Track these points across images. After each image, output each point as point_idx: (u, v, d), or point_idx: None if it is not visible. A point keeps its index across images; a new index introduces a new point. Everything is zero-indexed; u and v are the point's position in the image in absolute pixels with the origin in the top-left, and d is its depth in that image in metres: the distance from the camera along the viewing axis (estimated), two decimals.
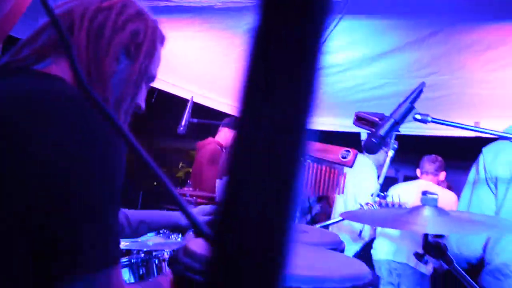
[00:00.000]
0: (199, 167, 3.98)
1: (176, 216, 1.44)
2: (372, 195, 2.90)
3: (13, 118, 0.72)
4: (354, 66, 3.89)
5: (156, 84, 3.93)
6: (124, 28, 0.93)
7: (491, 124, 3.70)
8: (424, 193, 1.20)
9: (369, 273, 0.79)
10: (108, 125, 0.67)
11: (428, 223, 1.12)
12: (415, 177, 4.02)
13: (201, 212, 1.45)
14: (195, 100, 4.25)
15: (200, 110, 3.35)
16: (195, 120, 2.32)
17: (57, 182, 0.71)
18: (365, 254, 3.62)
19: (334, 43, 3.69)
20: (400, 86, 3.81)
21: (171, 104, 4.14)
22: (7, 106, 0.74)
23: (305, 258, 0.80)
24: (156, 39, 1.01)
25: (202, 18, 3.13)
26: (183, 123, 2.22)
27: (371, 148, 1.35)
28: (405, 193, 3.41)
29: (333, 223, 1.60)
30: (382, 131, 1.35)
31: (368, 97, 4.19)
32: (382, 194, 2.97)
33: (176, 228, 1.47)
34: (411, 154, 5.36)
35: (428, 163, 3.91)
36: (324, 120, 4.86)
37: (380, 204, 2.91)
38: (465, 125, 1.82)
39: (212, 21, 3.19)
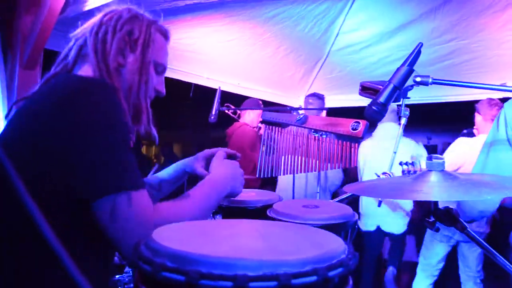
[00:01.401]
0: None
1: (188, 165, 1.53)
2: (400, 164, 3.02)
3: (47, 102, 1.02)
4: (375, 41, 4.03)
5: (192, 79, 4.22)
6: (121, 30, 1.19)
7: None
8: (430, 157, 1.15)
9: (342, 251, 0.71)
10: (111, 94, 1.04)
11: (434, 189, 1.05)
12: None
13: (201, 156, 1.52)
14: (227, 89, 4.52)
15: (229, 99, 3.56)
16: (224, 108, 2.54)
17: (75, 136, 0.95)
18: None
19: (352, 21, 3.86)
20: (422, 56, 3.90)
21: (208, 96, 4.38)
22: (46, 97, 1.04)
23: (269, 239, 0.74)
24: (151, 33, 1.24)
25: (223, 12, 3.36)
26: (213, 112, 2.43)
27: (372, 116, 1.29)
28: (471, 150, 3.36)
29: (346, 197, 1.63)
30: (382, 98, 1.29)
31: (392, 70, 4.22)
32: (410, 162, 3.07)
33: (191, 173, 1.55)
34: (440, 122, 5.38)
35: (489, 107, 3.51)
36: (352, 96, 5.02)
37: (407, 172, 3.02)
38: (472, 83, 1.60)
39: (234, 14, 3.42)
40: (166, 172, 1.57)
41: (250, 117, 4.21)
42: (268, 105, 4.86)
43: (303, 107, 3.95)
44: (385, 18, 3.73)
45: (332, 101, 5.14)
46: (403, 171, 3.04)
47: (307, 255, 0.64)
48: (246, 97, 4.66)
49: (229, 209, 1.54)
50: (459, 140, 3.67)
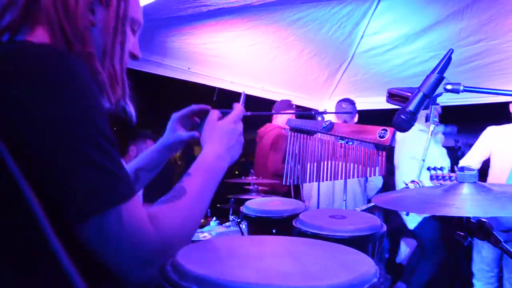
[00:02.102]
0: (263, 153, 4.17)
1: (166, 141, 1.33)
2: (428, 169, 2.96)
3: None
4: (401, 43, 3.97)
5: (216, 83, 4.24)
6: None
7: None
8: (462, 168, 1.11)
9: (374, 274, 0.67)
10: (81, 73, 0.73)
11: (467, 204, 0.98)
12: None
13: (176, 119, 1.33)
14: (251, 93, 4.52)
15: (252, 102, 3.56)
16: (248, 113, 2.53)
17: (37, 141, 0.70)
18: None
19: (377, 23, 3.81)
20: None
21: (232, 100, 4.40)
22: None
23: (297, 259, 0.71)
24: None
25: (245, 17, 3.36)
26: None
27: (401, 125, 1.22)
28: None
29: (367, 208, 1.57)
30: (411, 107, 1.22)
31: (418, 72, 4.23)
32: (438, 167, 3.01)
33: (173, 152, 1.35)
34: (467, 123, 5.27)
35: None
36: (376, 99, 4.95)
37: (435, 178, 2.96)
38: (506, 90, 1.43)
39: (257, 18, 3.42)
40: (142, 158, 1.33)
41: (282, 118, 4.20)
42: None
43: (328, 110, 3.93)
44: (411, 20, 3.67)
45: (357, 104, 5.09)
46: (431, 176, 3.00)
47: (338, 281, 0.60)
48: (270, 101, 4.65)
49: (255, 218, 1.54)
50: (488, 129, 3.69)
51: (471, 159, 3.65)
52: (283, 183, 1.97)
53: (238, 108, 1.19)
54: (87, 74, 0.78)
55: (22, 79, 0.71)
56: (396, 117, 1.24)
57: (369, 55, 4.32)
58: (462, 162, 3.72)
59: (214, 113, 1.18)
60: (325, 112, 3.32)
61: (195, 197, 0.93)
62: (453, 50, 1.34)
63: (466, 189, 1.05)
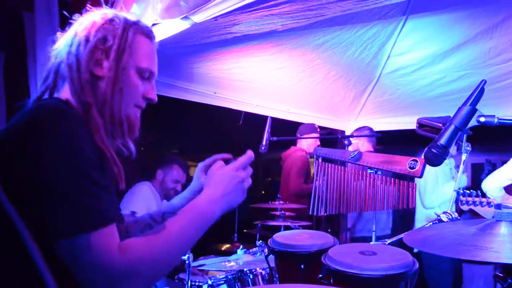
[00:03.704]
0: (286, 175, 4.18)
1: (192, 189, 1.39)
2: (458, 193, 2.87)
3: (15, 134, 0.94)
4: (428, 63, 3.91)
5: (242, 107, 4.26)
6: (94, 38, 1.09)
7: None
8: (498, 206, 1.07)
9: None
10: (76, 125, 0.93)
11: (506, 247, 0.92)
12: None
13: (201, 169, 1.39)
14: (277, 115, 4.52)
15: (279, 126, 3.56)
16: (274, 138, 2.53)
17: (26, 174, 0.88)
18: None
19: (404, 44, 3.77)
20: (478, 76, 3.77)
21: (258, 123, 4.42)
22: (17, 129, 0.95)
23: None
24: (128, 36, 1.12)
25: (270, 42, 3.38)
26: (263, 142, 2.43)
27: (432, 160, 1.19)
28: None
29: (397, 239, 1.52)
30: (443, 140, 1.19)
31: (447, 91, 4.16)
32: (468, 192, 2.92)
33: None
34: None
35: None
36: (403, 119, 4.87)
37: (466, 203, 2.86)
38: None
39: (281, 43, 3.43)
40: (171, 203, 1.42)
41: (306, 142, 4.20)
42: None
43: (354, 133, 3.90)
44: (438, 39, 3.62)
45: (383, 124, 5.04)
46: (461, 201, 2.91)
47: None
48: (295, 123, 4.64)
49: (283, 253, 1.51)
50: None
51: (497, 179, 3.50)
52: (309, 213, 1.95)
53: (247, 155, 1.23)
54: (81, 128, 0.96)
55: (28, 134, 0.91)
56: (427, 151, 1.21)
57: (396, 76, 4.27)
58: (486, 181, 3.57)
59: (219, 163, 1.23)
60: (351, 136, 3.30)
61: (174, 234, 1.02)
62: (485, 81, 1.30)
63: (504, 229, 1.00)
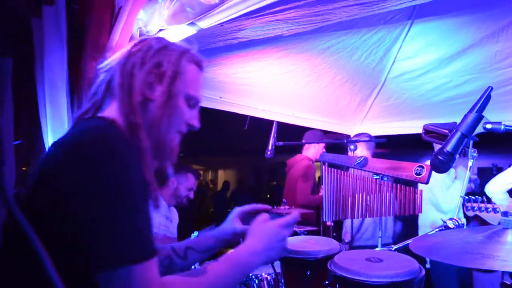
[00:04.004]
0: (293, 183, 4.17)
1: (223, 231, 1.40)
2: (464, 199, 2.84)
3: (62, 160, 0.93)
4: (434, 67, 3.91)
5: (247, 111, 4.26)
6: (149, 61, 1.12)
7: None
8: (505, 213, 1.06)
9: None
10: (129, 151, 0.93)
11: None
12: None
13: (236, 215, 1.40)
14: (282, 120, 4.52)
15: (284, 130, 3.56)
16: (280, 143, 2.54)
17: (78, 205, 0.87)
18: None
19: (409, 48, 3.78)
20: (484, 80, 3.76)
21: (263, 127, 4.42)
22: (62, 145, 0.97)
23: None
24: (181, 64, 1.17)
25: (276, 47, 3.38)
26: (269, 147, 2.44)
27: (439, 167, 1.19)
28: None
29: (403, 245, 1.50)
30: (449, 147, 1.18)
31: (453, 96, 4.14)
32: (474, 197, 2.90)
33: (229, 243, 1.41)
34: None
35: None
36: (409, 123, 4.86)
37: (471, 209, 2.84)
38: None
39: (287, 48, 3.44)
40: (197, 238, 1.43)
41: (315, 150, 4.20)
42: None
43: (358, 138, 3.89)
44: (443, 44, 3.62)
45: (388, 128, 5.03)
46: (467, 207, 2.89)
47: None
48: (301, 127, 4.64)
49: (289, 259, 1.51)
50: None
51: (500, 182, 3.48)
52: (322, 220, 1.95)
53: (293, 215, 1.25)
54: (132, 156, 0.95)
55: (76, 159, 0.91)
56: (433, 158, 1.21)
57: (401, 80, 4.27)
58: (490, 184, 3.54)
59: (264, 216, 1.25)
60: (358, 141, 3.29)
61: (213, 279, 1.04)
62: (492, 88, 1.29)
63: (511, 237, 0.99)
